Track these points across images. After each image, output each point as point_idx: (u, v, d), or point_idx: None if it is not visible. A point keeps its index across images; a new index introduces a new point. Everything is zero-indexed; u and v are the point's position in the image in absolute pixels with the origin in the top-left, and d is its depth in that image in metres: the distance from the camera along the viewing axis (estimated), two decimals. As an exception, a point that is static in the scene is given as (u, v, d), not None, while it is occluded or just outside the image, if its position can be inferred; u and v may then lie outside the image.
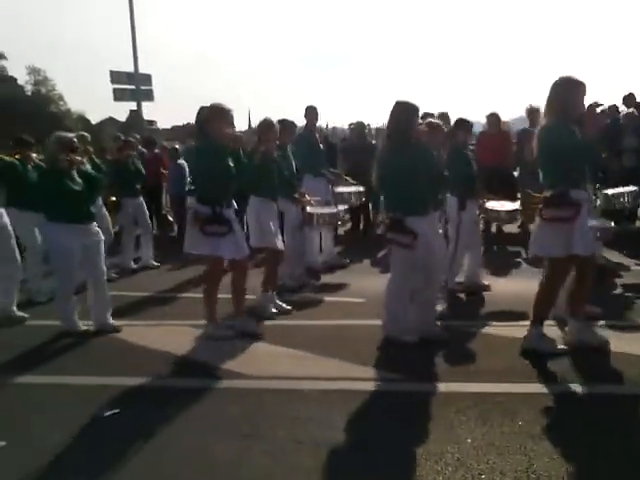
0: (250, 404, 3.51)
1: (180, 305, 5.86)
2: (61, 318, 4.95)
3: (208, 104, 4.51)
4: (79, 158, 4.98)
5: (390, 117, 4.33)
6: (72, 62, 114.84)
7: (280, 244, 5.36)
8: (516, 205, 5.98)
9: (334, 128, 18.71)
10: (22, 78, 45.44)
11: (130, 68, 12.95)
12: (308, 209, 6.01)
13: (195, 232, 4.49)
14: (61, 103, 46.57)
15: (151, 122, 12.40)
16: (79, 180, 4.90)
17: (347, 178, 7.38)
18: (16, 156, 5.94)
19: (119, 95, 13.00)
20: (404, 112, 4.29)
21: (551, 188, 3.91)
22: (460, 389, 3.60)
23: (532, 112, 8.58)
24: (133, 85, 12.99)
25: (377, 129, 9.13)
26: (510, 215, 5.91)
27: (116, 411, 3.43)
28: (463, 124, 5.91)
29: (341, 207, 6.37)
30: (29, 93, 45.02)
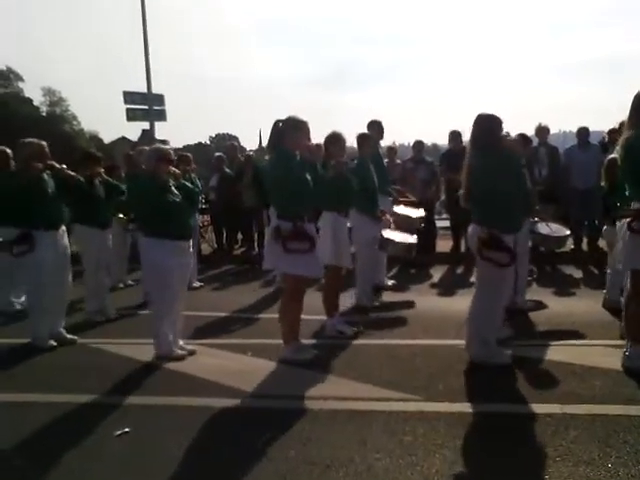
0: (259, 424, 3.49)
1: (196, 324, 5.77)
2: (154, 342, 4.73)
3: (284, 117, 4.42)
4: (178, 171, 4.86)
5: (476, 130, 4.22)
6: (86, 82, 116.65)
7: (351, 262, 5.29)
8: (567, 231, 5.91)
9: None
10: (37, 99, 46.18)
11: (143, 88, 13.14)
12: (386, 234, 5.86)
13: (275, 248, 4.37)
14: (74, 123, 47.20)
15: (164, 141, 12.58)
16: (178, 193, 4.76)
17: (410, 196, 7.20)
18: (86, 172, 5.92)
19: (132, 115, 13.14)
20: (491, 124, 4.20)
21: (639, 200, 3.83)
22: (473, 410, 3.56)
23: (541, 131, 8.61)
24: (146, 105, 13.13)
25: (389, 148, 9.15)
26: (559, 241, 5.87)
27: (126, 430, 3.42)
28: (522, 140, 5.85)
29: (413, 237, 6.15)
30: (44, 114, 45.66)
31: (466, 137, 6.19)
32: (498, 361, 4.24)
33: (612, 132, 8.09)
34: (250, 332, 5.55)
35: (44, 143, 5.23)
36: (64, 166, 5.26)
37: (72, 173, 5.33)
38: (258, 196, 9.30)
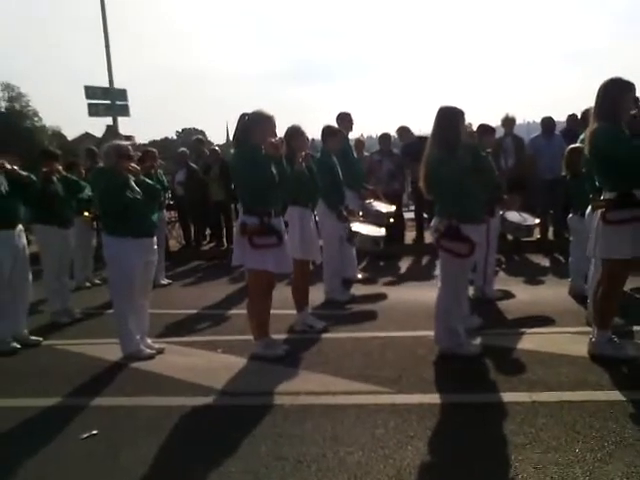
0: (230, 421, 3.45)
1: (165, 322, 5.66)
2: (120, 342, 4.64)
3: (250, 111, 4.36)
4: (137, 167, 4.76)
5: (436, 122, 4.23)
6: (47, 78, 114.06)
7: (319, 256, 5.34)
8: (536, 220, 6.01)
9: (313, 140, 18.65)
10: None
11: (105, 83, 12.86)
12: (354, 227, 5.83)
13: (243, 244, 4.32)
14: (36, 119, 46.00)
15: (129, 137, 12.31)
16: (139, 190, 4.67)
17: (381, 197, 7.08)
18: (43, 169, 5.74)
19: (94, 110, 12.81)
20: (450, 116, 4.22)
21: (613, 190, 3.85)
22: (443, 400, 3.57)
23: (507, 121, 8.70)
24: (108, 100, 12.85)
25: (357, 140, 9.15)
26: (529, 230, 6.00)
27: (93, 433, 3.35)
28: (486, 130, 5.91)
29: (381, 230, 6.17)
30: (3, 109, 44.42)
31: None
32: (467, 351, 4.28)
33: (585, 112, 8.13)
34: (220, 329, 5.49)
35: None
36: (15, 167, 5.09)
37: (23, 173, 5.14)
38: (226, 190, 9.24)
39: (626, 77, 3.86)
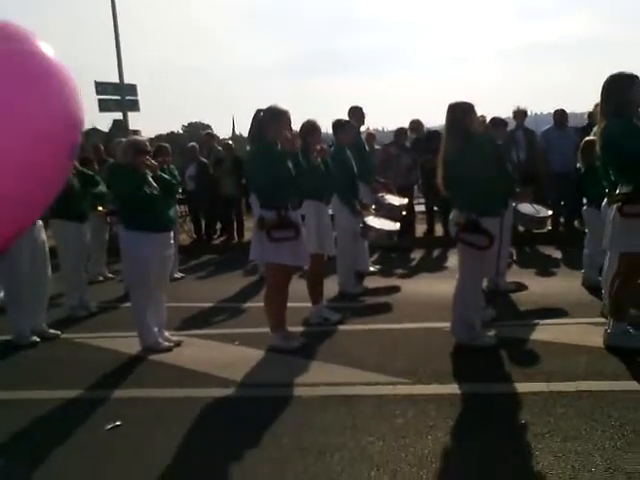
0: (250, 412, 3.51)
1: (181, 315, 5.68)
2: (139, 335, 4.69)
3: (265, 107, 4.40)
4: (154, 162, 4.80)
5: (448, 117, 4.28)
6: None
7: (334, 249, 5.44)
8: (549, 212, 6.02)
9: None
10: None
11: (115, 79, 12.88)
12: (368, 221, 5.88)
13: (261, 238, 4.36)
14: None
15: (136, 131, 12.34)
16: (156, 185, 4.70)
17: (390, 188, 7.11)
18: None
19: (104, 106, 12.86)
20: (462, 110, 4.25)
21: (629, 184, 3.85)
22: (461, 391, 3.61)
23: (519, 114, 8.66)
24: (118, 96, 12.89)
25: (368, 134, 9.13)
26: (542, 222, 6.01)
27: (118, 424, 3.40)
28: (498, 123, 5.91)
29: (395, 224, 6.18)
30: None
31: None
32: (482, 343, 4.31)
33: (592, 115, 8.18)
34: (236, 321, 5.54)
35: None
36: None
37: None
38: (237, 185, 9.29)
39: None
